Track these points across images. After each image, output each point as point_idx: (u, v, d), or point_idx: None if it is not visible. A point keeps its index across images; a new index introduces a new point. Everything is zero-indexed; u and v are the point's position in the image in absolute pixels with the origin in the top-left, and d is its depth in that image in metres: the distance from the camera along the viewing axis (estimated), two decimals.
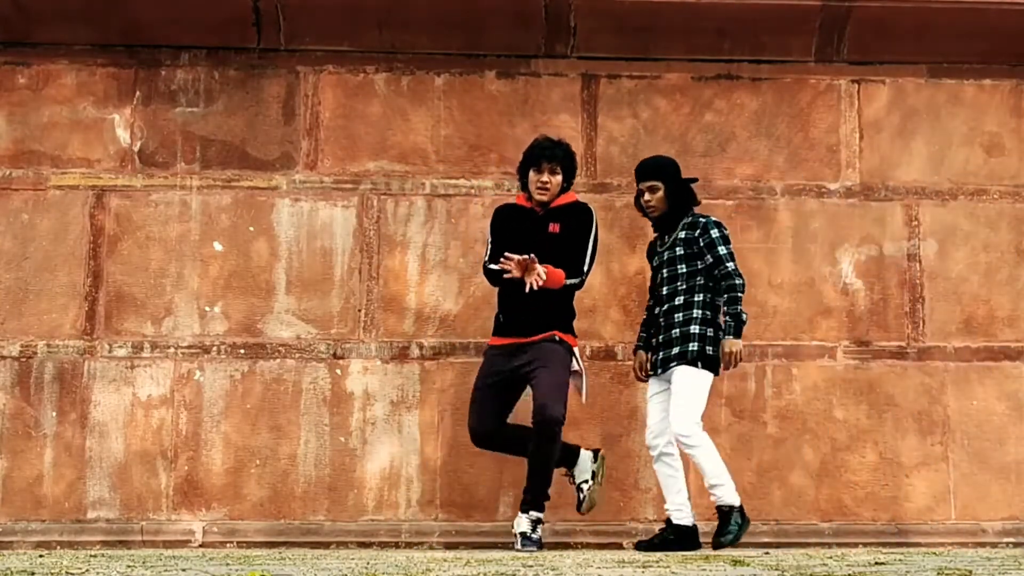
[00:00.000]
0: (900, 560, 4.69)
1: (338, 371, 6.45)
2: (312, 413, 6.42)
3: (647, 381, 5.98)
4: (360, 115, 6.64)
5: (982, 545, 6.34)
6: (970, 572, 3.82)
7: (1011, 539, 6.40)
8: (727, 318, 5.78)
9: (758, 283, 6.59)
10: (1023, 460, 6.55)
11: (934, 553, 5.49)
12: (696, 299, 5.80)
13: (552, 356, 5.81)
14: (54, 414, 6.37)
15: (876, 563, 4.42)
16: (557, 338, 5.83)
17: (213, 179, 6.58)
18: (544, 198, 5.94)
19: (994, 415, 6.58)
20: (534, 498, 5.71)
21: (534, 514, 5.69)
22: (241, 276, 6.52)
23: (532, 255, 5.71)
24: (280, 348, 6.47)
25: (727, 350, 5.74)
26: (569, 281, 5.85)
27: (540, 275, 5.69)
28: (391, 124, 6.63)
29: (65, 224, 6.50)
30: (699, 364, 5.72)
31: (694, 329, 5.75)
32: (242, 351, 6.45)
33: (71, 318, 6.44)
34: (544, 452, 5.70)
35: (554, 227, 5.92)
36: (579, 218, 5.96)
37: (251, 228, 6.55)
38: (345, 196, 6.58)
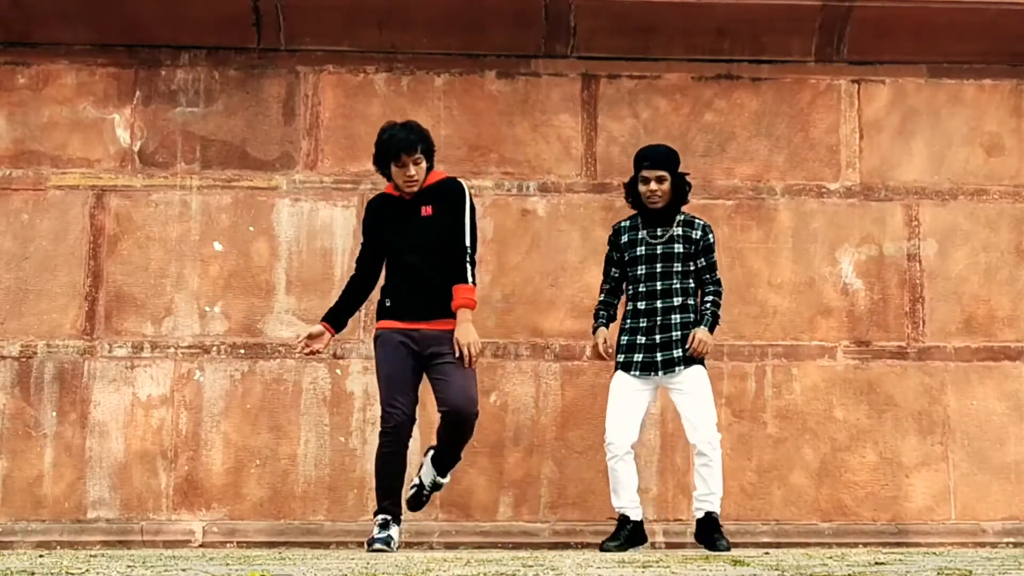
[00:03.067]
0: (900, 560, 4.69)
1: (338, 371, 6.45)
2: (312, 413, 6.42)
3: (609, 358, 5.83)
4: (360, 115, 6.64)
5: (982, 545, 6.34)
6: (970, 572, 3.82)
7: (1011, 539, 6.40)
8: (707, 310, 5.73)
9: (758, 283, 6.59)
10: (1023, 460, 6.55)
11: (934, 553, 5.49)
12: (691, 302, 5.75)
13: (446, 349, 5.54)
14: (54, 414, 6.37)
15: (876, 563, 4.42)
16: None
17: (213, 179, 6.58)
18: (414, 189, 5.60)
19: (994, 415, 6.58)
20: (452, 464, 5.67)
21: (440, 480, 5.68)
22: (241, 276, 6.52)
23: (471, 354, 5.47)
24: (280, 348, 6.46)
25: (699, 337, 5.63)
26: (470, 282, 5.52)
27: (475, 357, 5.49)
28: None
29: (65, 224, 6.50)
30: (704, 365, 5.73)
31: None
32: (242, 351, 6.46)
33: (71, 318, 6.44)
34: (464, 437, 5.56)
35: (426, 210, 5.60)
36: (451, 195, 5.63)
37: (251, 228, 6.55)
38: (345, 196, 6.58)
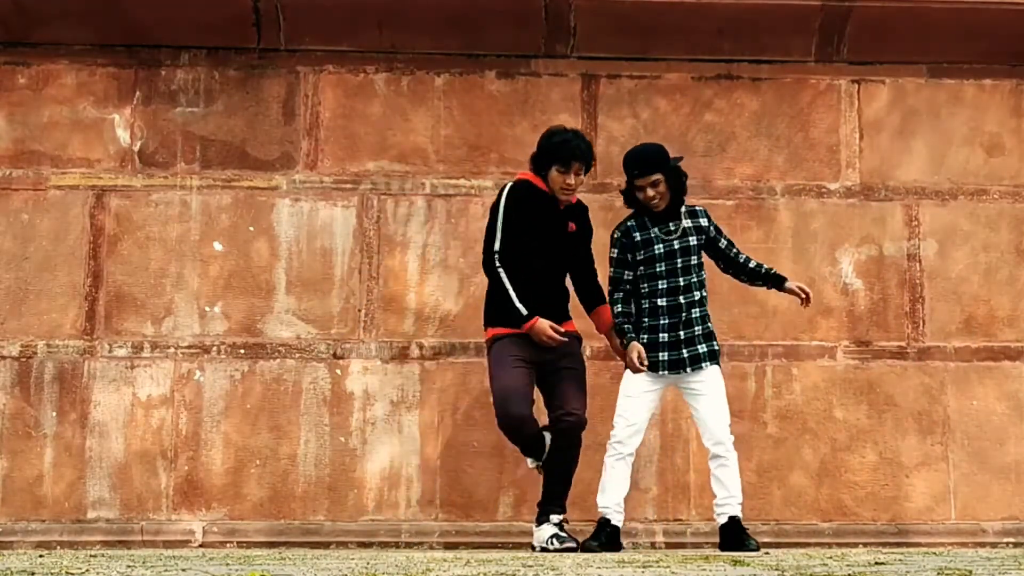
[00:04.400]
0: (900, 560, 4.69)
1: (338, 371, 6.45)
2: (312, 413, 6.42)
3: (644, 369, 5.75)
4: (360, 115, 6.64)
5: (982, 545, 6.34)
6: (970, 572, 3.82)
7: (1011, 539, 6.40)
8: (771, 268, 5.88)
9: None
10: (1023, 460, 6.55)
11: (934, 553, 5.49)
12: (706, 294, 5.77)
13: (579, 354, 5.81)
14: (54, 414, 6.37)
15: (876, 563, 4.42)
16: (577, 334, 5.80)
17: (213, 179, 6.58)
18: (569, 199, 5.81)
19: (994, 415, 6.58)
20: (559, 501, 5.66)
21: (555, 517, 5.62)
22: (241, 276, 6.52)
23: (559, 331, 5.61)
24: (280, 348, 6.46)
25: (800, 286, 5.82)
26: (612, 307, 5.79)
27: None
28: (391, 124, 6.63)
29: (65, 224, 6.50)
30: (719, 365, 5.74)
31: (711, 327, 5.75)
32: (242, 351, 6.45)
33: (71, 318, 6.44)
34: (571, 457, 5.66)
35: (572, 226, 5.83)
36: (586, 219, 5.95)
37: (251, 228, 6.55)
38: (345, 196, 6.58)
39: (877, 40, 6.70)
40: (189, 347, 6.45)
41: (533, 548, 5.65)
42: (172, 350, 6.45)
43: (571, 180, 5.70)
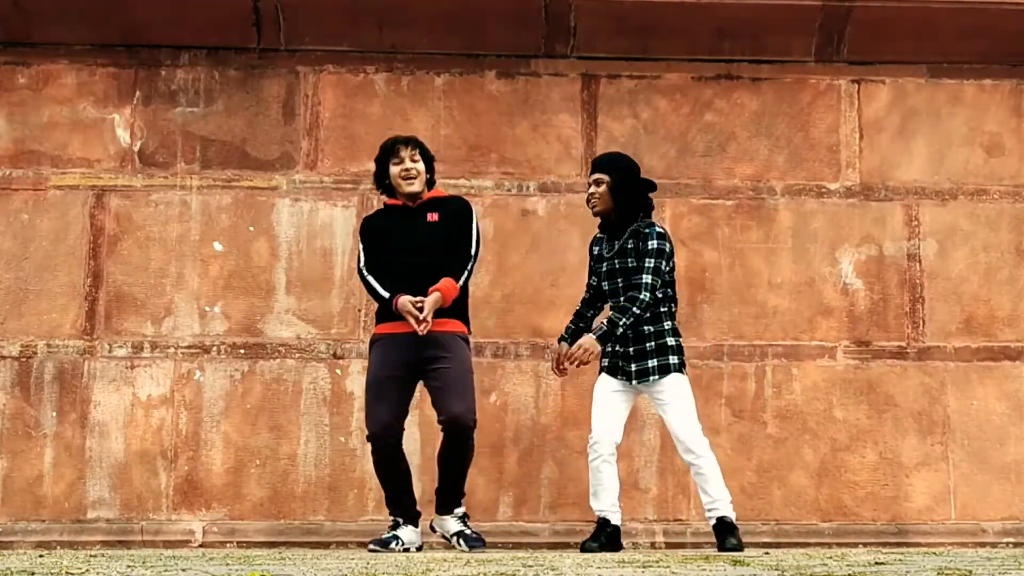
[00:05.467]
0: (900, 560, 4.69)
1: (338, 371, 6.45)
2: (312, 413, 6.42)
3: (562, 376, 5.90)
4: (360, 115, 6.64)
5: (982, 545, 6.34)
6: (970, 572, 3.82)
7: (1011, 539, 6.40)
8: (605, 319, 5.57)
9: (758, 283, 6.59)
10: (1023, 460, 6.55)
11: (934, 553, 5.49)
12: (663, 310, 5.63)
13: (459, 352, 5.59)
14: (54, 414, 6.37)
15: (876, 563, 4.42)
16: (461, 333, 5.63)
17: (213, 179, 6.58)
18: (413, 186, 5.65)
19: (994, 415, 6.58)
20: (456, 500, 5.67)
21: (460, 510, 5.67)
22: (241, 276, 6.52)
23: (419, 305, 5.44)
24: (280, 348, 6.47)
25: (582, 344, 5.52)
26: (460, 282, 5.59)
27: (428, 321, 5.44)
28: (391, 124, 6.63)
29: (65, 224, 6.50)
30: (683, 370, 5.64)
31: (670, 341, 5.60)
32: (242, 351, 6.46)
33: (71, 318, 6.44)
34: (463, 455, 5.59)
35: (432, 216, 5.67)
36: (459, 208, 5.73)
37: (251, 228, 6.55)
38: (345, 196, 6.58)
39: (877, 40, 6.70)
40: (189, 347, 6.45)
41: (446, 539, 5.72)
42: (172, 350, 6.45)
43: (407, 165, 5.63)
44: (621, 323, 5.53)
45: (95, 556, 5.20)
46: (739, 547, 5.50)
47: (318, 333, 6.47)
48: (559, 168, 6.65)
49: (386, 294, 5.58)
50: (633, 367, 5.62)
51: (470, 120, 6.67)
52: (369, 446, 5.65)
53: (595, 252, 5.87)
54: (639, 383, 5.62)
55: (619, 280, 5.67)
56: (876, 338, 6.60)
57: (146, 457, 6.36)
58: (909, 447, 6.53)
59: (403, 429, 5.64)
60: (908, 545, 6.29)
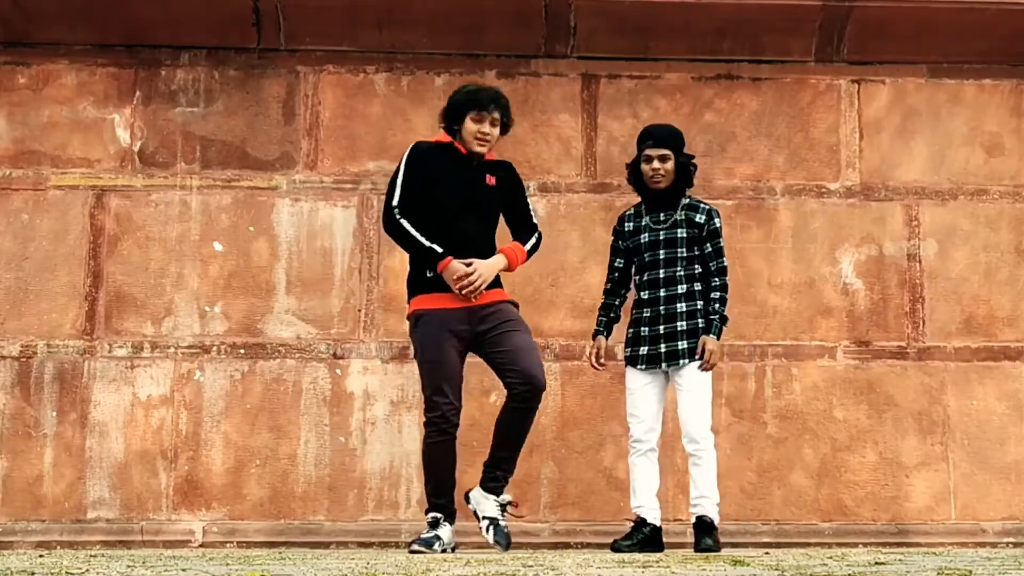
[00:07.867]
0: (900, 560, 4.69)
1: (338, 371, 6.45)
2: (312, 413, 6.42)
3: (601, 369, 5.78)
4: (360, 115, 6.65)
5: (982, 545, 6.34)
6: (970, 572, 3.81)
7: (1011, 539, 6.41)
8: (713, 315, 5.58)
9: (758, 283, 6.59)
10: (1023, 460, 6.55)
11: (934, 553, 5.49)
12: (698, 288, 5.61)
13: (519, 319, 5.34)
14: (54, 414, 6.37)
15: (876, 563, 4.41)
16: (512, 300, 5.39)
17: (213, 179, 6.59)
18: (483, 150, 5.36)
19: (994, 415, 6.58)
20: (505, 477, 5.28)
21: (505, 497, 5.29)
22: (241, 276, 6.52)
23: (472, 265, 5.14)
24: (280, 348, 6.47)
25: (709, 348, 5.51)
26: (528, 247, 5.38)
27: (479, 288, 5.18)
28: (391, 124, 6.63)
29: (65, 224, 6.51)
30: None
31: (701, 323, 5.58)
32: (242, 351, 6.46)
33: (71, 318, 6.44)
34: (528, 422, 5.26)
35: (491, 179, 5.38)
36: (512, 172, 5.51)
37: (251, 228, 6.55)
38: (345, 196, 6.58)
39: (877, 40, 6.70)
40: (189, 347, 6.45)
41: (476, 516, 5.34)
42: (172, 350, 6.45)
43: (486, 128, 5.33)
44: (724, 310, 5.60)
45: (95, 556, 5.20)
46: (715, 548, 5.43)
47: (318, 333, 6.48)
48: (559, 168, 6.65)
49: (438, 248, 5.17)
50: (663, 348, 5.55)
51: None
52: (422, 434, 5.33)
53: (630, 227, 5.73)
54: (668, 365, 5.56)
55: (660, 252, 5.61)
56: (876, 338, 6.60)
57: (146, 457, 6.36)
58: (909, 447, 6.53)
59: None
60: (908, 545, 6.29)
